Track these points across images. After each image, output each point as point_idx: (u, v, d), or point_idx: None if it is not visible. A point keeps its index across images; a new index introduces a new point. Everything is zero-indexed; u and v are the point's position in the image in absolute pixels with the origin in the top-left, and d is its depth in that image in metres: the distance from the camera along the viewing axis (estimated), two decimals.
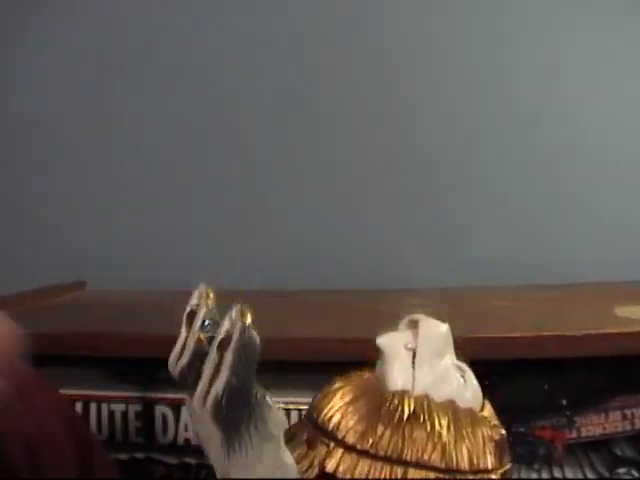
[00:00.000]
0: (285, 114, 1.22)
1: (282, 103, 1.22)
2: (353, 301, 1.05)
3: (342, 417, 0.46)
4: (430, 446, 0.44)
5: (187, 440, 0.79)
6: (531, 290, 1.06)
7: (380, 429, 0.44)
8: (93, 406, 0.81)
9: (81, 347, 0.80)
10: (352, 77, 1.21)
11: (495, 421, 0.50)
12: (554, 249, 1.17)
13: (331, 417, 0.46)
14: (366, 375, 0.50)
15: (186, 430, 0.79)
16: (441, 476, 0.44)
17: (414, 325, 0.51)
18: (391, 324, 0.86)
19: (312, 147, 1.22)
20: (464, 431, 0.46)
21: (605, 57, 1.16)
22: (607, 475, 0.77)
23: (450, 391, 0.48)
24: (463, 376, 0.49)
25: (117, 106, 1.26)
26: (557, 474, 0.78)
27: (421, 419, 0.45)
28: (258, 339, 0.41)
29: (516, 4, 1.18)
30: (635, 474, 0.77)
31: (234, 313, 0.43)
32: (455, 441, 0.45)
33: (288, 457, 0.44)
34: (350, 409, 0.46)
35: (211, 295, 0.50)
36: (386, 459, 0.44)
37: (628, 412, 0.78)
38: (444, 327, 0.50)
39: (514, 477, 0.78)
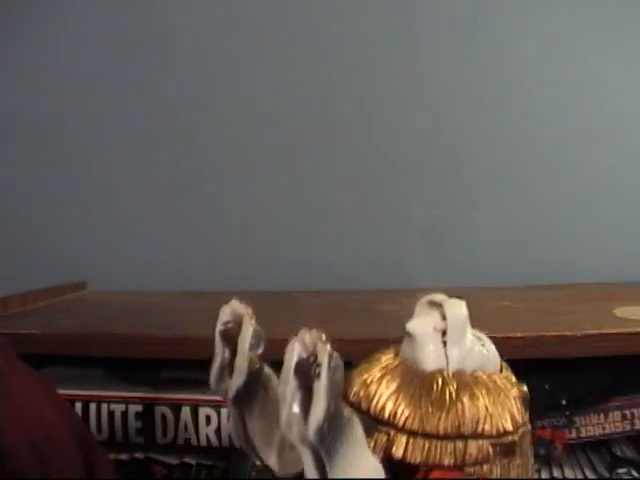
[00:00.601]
0: (284, 114, 1.23)
1: (282, 103, 1.22)
2: (354, 301, 1.05)
3: (396, 405, 0.49)
4: (481, 417, 0.48)
5: (187, 440, 0.79)
6: (531, 290, 1.06)
7: (436, 411, 0.48)
8: (93, 406, 0.81)
9: (81, 347, 0.80)
10: (353, 77, 1.21)
11: (514, 378, 0.53)
12: (555, 250, 1.17)
13: (384, 406, 0.49)
14: (397, 359, 0.52)
15: (186, 430, 0.79)
16: (495, 441, 0.48)
17: (434, 306, 0.53)
18: (393, 325, 0.86)
19: (312, 147, 1.23)
20: (501, 396, 0.50)
21: (607, 58, 1.16)
22: (607, 475, 0.77)
23: (477, 362, 0.51)
24: (484, 345, 0.53)
25: (118, 107, 1.26)
26: (557, 474, 0.78)
27: (467, 394, 0.48)
28: (341, 361, 0.43)
29: (516, 4, 1.18)
30: (635, 474, 0.77)
31: (308, 337, 0.44)
32: (497, 408, 0.49)
33: (375, 460, 0.46)
34: (401, 396, 0.49)
35: (251, 313, 0.51)
36: (447, 437, 0.47)
37: (628, 412, 0.78)
38: (464, 304, 0.53)
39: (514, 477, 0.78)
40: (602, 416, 0.79)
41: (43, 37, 1.26)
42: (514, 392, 0.51)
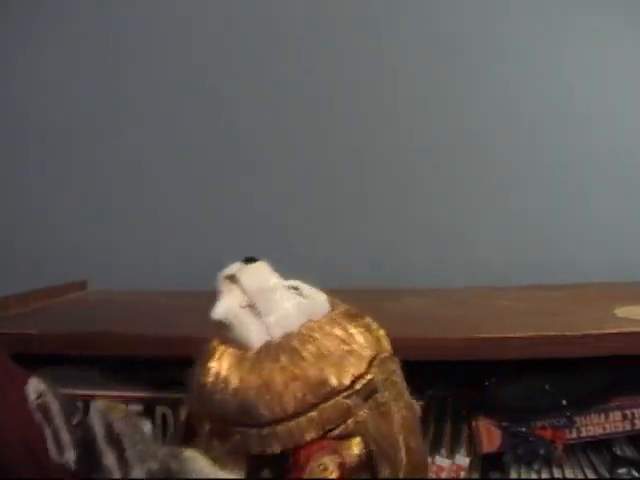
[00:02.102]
0: (285, 114, 1.22)
1: (282, 103, 1.22)
2: (355, 300, 1.05)
3: (238, 403, 0.45)
4: (324, 377, 0.44)
5: None
6: (532, 290, 1.06)
7: (276, 394, 0.44)
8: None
9: (82, 347, 0.80)
10: (352, 76, 1.21)
11: (352, 309, 0.49)
12: (555, 250, 1.17)
13: (225, 409, 0.46)
14: (222, 350, 0.48)
15: None
16: (349, 392, 0.44)
17: (233, 280, 0.50)
18: (393, 323, 0.86)
19: (312, 147, 1.22)
20: (339, 341, 0.46)
21: (608, 58, 1.16)
22: (607, 475, 0.77)
23: (303, 313, 0.48)
24: (301, 293, 0.50)
25: (118, 106, 1.26)
26: (557, 474, 0.78)
27: (300, 361, 0.45)
28: (138, 418, 0.42)
29: (519, 5, 1.18)
30: (635, 474, 0.77)
31: (101, 408, 0.43)
32: (338, 356, 0.45)
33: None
34: (240, 393, 0.45)
35: (50, 390, 0.49)
36: (298, 414, 0.44)
37: (628, 412, 0.78)
38: (260, 265, 0.50)
39: (514, 477, 0.78)
40: (602, 416, 0.79)
41: (55, 36, 1.26)
42: (353, 328, 0.48)
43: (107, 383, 0.83)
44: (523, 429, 0.78)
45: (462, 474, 0.77)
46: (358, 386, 0.45)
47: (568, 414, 0.78)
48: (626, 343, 0.73)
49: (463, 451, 0.78)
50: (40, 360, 0.80)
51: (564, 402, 0.79)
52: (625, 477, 0.77)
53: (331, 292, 1.09)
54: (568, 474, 0.78)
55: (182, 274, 1.20)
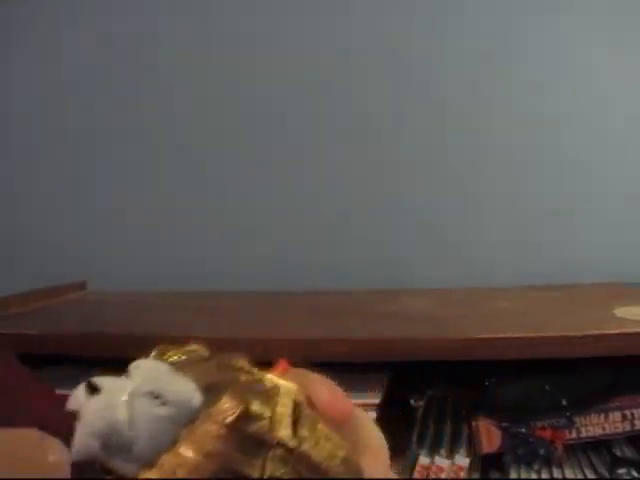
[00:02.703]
0: (283, 115, 1.22)
1: (282, 103, 1.22)
2: (355, 301, 1.05)
3: None
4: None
5: None
6: (532, 291, 1.06)
7: None
8: None
9: (81, 347, 0.80)
10: (352, 75, 1.21)
11: (233, 387, 0.38)
12: (555, 250, 1.17)
13: None
14: None
15: None
16: None
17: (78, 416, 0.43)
18: (392, 324, 0.86)
19: (313, 148, 1.22)
20: (220, 451, 0.37)
21: (608, 58, 1.16)
22: (607, 475, 0.77)
23: (171, 428, 0.39)
24: (165, 402, 0.41)
25: (117, 107, 1.26)
26: (557, 474, 0.78)
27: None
28: None
29: (520, 5, 1.18)
30: (635, 475, 0.77)
31: None
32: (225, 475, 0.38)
33: None
34: None
35: None
36: None
37: (628, 413, 0.78)
38: (100, 397, 0.40)
39: (514, 477, 0.78)
40: (602, 416, 0.79)
41: (56, 36, 1.26)
42: (232, 417, 0.37)
43: None
44: (523, 429, 0.78)
45: (462, 474, 0.77)
46: None
47: (568, 414, 0.78)
48: (626, 343, 0.73)
49: (463, 451, 0.78)
50: (40, 360, 0.80)
51: (564, 402, 0.79)
52: (625, 477, 0.77)
53: (332, 292, 1.10)
54: (568, 474, 0.78)
55: (182, 274, 1.20)
